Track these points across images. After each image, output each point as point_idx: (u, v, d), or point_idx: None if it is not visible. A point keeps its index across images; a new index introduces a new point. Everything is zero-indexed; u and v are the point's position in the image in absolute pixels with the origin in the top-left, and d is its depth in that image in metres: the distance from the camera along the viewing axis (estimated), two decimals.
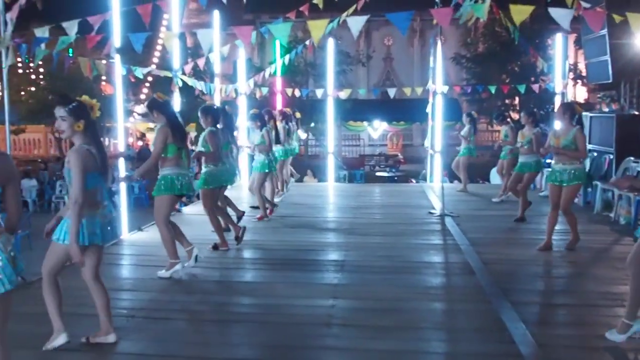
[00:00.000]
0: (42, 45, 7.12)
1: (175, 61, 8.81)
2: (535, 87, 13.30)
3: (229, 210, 7.04)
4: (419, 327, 4.15)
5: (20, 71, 24.61)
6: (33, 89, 25.20)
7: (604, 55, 10.06)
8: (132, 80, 10.46)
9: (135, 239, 6.89)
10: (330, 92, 12.86)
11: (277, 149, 9.11)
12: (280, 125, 9.65)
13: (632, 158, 8.17)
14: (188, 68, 9.83)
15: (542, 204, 8.89)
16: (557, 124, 6.47)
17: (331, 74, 12.92)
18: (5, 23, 6.35)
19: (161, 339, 3.93)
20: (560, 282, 5.41)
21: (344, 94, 13.93)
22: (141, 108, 23.70)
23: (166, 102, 5.32)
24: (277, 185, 9.81)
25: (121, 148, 8.03)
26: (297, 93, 14.01)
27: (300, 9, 8.88)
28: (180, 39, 8.41)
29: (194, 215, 8.18)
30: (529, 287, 5.12)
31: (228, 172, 6.64)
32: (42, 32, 7.07)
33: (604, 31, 9.56)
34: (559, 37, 11.03)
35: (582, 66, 24.39)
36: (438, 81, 10.72)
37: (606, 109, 14.98)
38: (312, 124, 24.18)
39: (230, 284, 5.28)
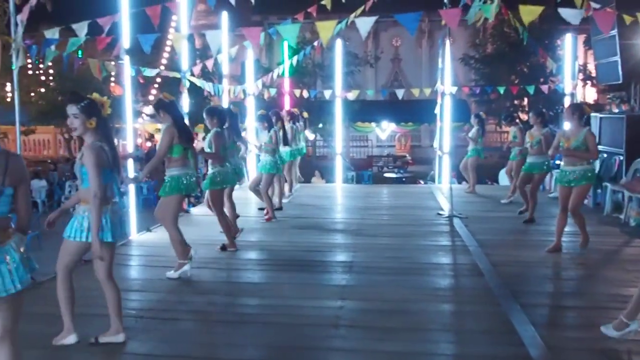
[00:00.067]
0: (52, 47, 7.16)
1: (184, 62, 8.84)
2: (545, 87, 13.24)
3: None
4: (427, 328, 4.14)
5: (30, 72, 24.77)
6: (43, 90, 25.37)
7: (614, 56, 10.00)
8: (141, 81, 10.50)
9: (143, 240, 6.91)
10: (338, 93, 12.85)
11: (284, 150, 9.13)
12: (288, 126, 9.66)
13: None
14: (197, 69, 9.85)
15: (551, 205, 8.84)
16: (566, 125, 6.44)
17: (339, 75, 12.91)
18: (16, 24, 6.39)
19: (169, 340, 3.94)
20: (570, 284, 5.37)
21: (352, 95, 13.92)
22: (150, 109, 23.78)
23: (172, 102, 5.34)
24: (284, 186, 9.83)
25: (130, 149, 8.05)
26: (305, 94, 14.01)
27: (309, 10, 8.88)
28: (188, 40, 8.44)
29: (202, 216, 8.20)
30: (538, 289, 5.09)
31: (234, 173, 6.66)
32: (52, 33, 7.11)
33: (614, 32, 9.51)
34: (568, 38, 10.97)
35: (591, 67, 24.28)
36: (447, 82, 10.68)
37: (616, 110, 14.88)
38: (320, 125, 24.18)
39: (238, 285, 5.29)
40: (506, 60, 23.81)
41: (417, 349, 3.79)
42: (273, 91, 13.22)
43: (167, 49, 24.18)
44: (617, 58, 9.78)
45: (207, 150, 6.25)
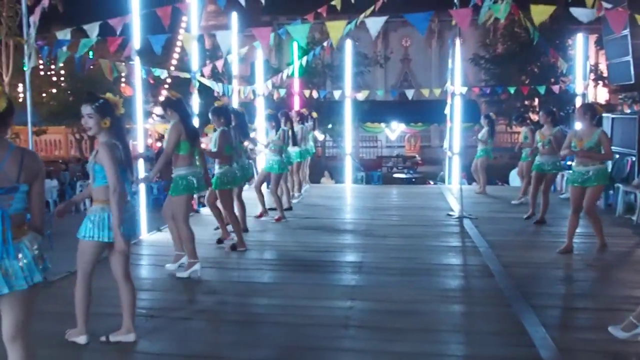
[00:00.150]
0: (64, 48, 7.21)
1: (194, 63, 8.87)
2: (556, 88, 13.16)
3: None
4: (437, 329, 4.13)
5: (41, 73, 24.99)
6: (54, 90, 25.59)
7: (625, 56, 9.94)
8: (152, 82, 10.55)
9: (154, 240, 6.94)
10: (347, 93, 12.85)
11: (293, 150, 9.14)
12: (298, 127, 9.67)
13: None
14: (207, 70, 9.89)
15: (562, 206, 8.78)
16: (577, 125, 6.39)
17: (349, 75, 12.91)
18: (29, 25, 6.43)
19: (179, 339, 3.96)
20: (581, 286, 5.33)
21: (361, 96, 13.91)
22: (160, 109, 23.89)
23: (179, 100, 5.36)
24: (292, 187, 9.84)
25: (140, 149, 8.09)
26: (315, 94, 14.02)
27: (319, 10, 8.88)
28: (198, 41, 8.47)
29: (211, 216, 8.20)
30: (549, 291, 5.06)
31: (241, 172, 6.66)
32: (63, 34, 7.16)
33: (626, 31, 9.45)
34: (579, 38, 10.90)
35: (603, 67, 24.11)
36: (457, 82, 10.65)
37: (628, 110, 14.79)
38: (330, 126, 24.18)
39: (248, 285, 5.30)
40: (517, 61, 23.70)
41: (427, 350, 3.78)
42: (283, 91, 13.24)
43: (177, 49, 24.30)
44: (629, 58, 9.72)
45: (213, 149, 6.26)
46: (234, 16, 10.34)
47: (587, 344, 3.86)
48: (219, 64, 9.97)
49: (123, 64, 8.36)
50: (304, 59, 12.05)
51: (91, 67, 8.54)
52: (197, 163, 5.40)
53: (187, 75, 9.41)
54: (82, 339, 3.73)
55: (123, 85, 22.47)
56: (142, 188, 7.06)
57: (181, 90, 7.83)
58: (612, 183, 8.48)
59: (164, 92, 24.15)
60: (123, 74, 8.14)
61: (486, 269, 5.59)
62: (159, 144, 26.66)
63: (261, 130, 10.66)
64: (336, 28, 6.44)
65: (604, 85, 25.11)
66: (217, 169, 6.23)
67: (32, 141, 6.86)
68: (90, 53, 10.87)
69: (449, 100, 11.78)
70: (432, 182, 17.31)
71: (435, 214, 8.65)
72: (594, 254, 6.04)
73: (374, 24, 6.43)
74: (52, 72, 26.09)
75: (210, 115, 6.43)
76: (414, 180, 20.37)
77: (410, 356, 3.69)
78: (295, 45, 13.04)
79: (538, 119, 8.83)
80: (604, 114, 9.31)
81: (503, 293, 4.86)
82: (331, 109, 21.26)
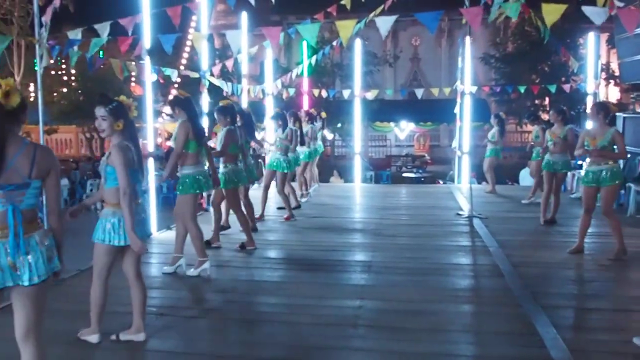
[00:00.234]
0: (75, 47, 7.25)
1: (204, 62, 8.90)
2: (566, 87, 13.07)
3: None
4: (447, 329, 4.11)
5: (52, 72, 25.16)
6: (65, 90, 25.76)
7: (637, 55, 9.85)
8: (161, 81, 10.59)
9: (164, 238, 6.97)
10: (357, 92, 12.84)
11: (301, 150, 9.14)
12: (307, 127, 9.68)
13: None
14: (216, 69, 9.91)
15: (572, 206, 8.74)
16: (588, 124, 6.33)
17: (358, 75, 12.89)
18: (41, 25, 6.47)
19: (189, 337, 3.97)
20: (593, 286, 5.29)
21: (371, 95, 13.88)
22: (169, 108, 23.99)
23: (188, 99, 5.37)
24: (301, 187, 9.84)
25: (150, 148, 8.13)
26: (324, 94, 14.01)
27: (328, 9, 8.88)
28: (208, 40, 8.48)
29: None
30: (559, 291, 5.02)
31: (247, 171, 6.65)
32: (74, 34, 7.20)
33: (639, 30, 9.35)
34: (591, 36, 10.82)
35: (614, 66, 23.94)
36: (466, 81, 10.61)
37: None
38: (339, 125, 24.17)
39: (257, 284, 5.31)
40: (527, 59, 23.57)
41: (437, 350, 3.76)
42: (292, 91, 13.24)
43: (187, 49, 24.38)
44: None
45: (218, 147, 6.27)
46: (244, 15, 10.36)
47: (600, 344, 3.83)
48: (229, 63, 9.98)
49: (133, 63, 8.40)
50: (313, 58, 12.05)
51: (101, 66, 8.57)
52: (204, 162, 5.42)
53: (196, 75, 9.43)
54: (94, 338, 3.76)
55: (133, 84, 22.60)
56: (152, 187, 7.08)
57: (191, 90, 7.86)
58: (623, 183, 8.40)
59: (174, 91, 24.27)
60: (133, 74, 8.16)
61: (496, 269, 5.57)
62: (168, 143, 26.78)
63: (270, 130, 10.67)
64: (346, 27, 6.42)
65: (616, 84, 24.93)
66: (221, 168, 6.22)
67: (43, 140, 6.90)
68: (101, 52, 10.94)
69: (458, 100, 11.72)
70: (441, 182, 17.26)
71: (445, 214, 8.62)
72: (606, 255, 5.97)
73: (384, 23, 6.40)
74: (63, 72, 26.27)
75: (215, 115, 6.44)
76: (423, 179, 20.32)
77: (420, 356, 3.68)
78: (304, 44, 13.05)
79: (548, 118, 8.75)
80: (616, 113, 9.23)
81: (513, 293, 4.83)
82: (340, 108, 21.25)
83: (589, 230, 6.13)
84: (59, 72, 26.19)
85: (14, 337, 2.70)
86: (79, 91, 24.93)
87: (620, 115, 9.80)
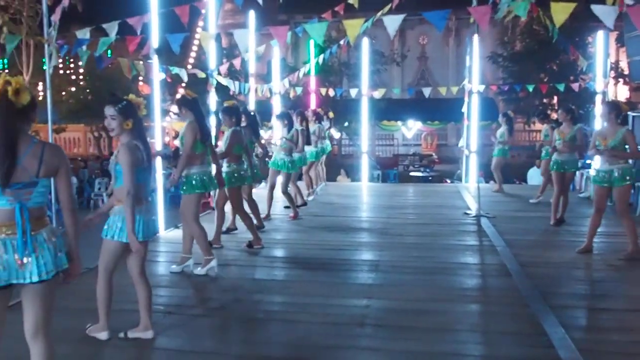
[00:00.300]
0: (84, 47, 7.28)
1: (212, 61, 8.91)
2: (575, 86, 13.00)
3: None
4: (455, 329, 4.10)
5: (60, 72, 25.28)
6: (73, 89, 25.86)
7: None
8: (169, 80, 10.62)
9: (171, 237, 6.99)
10: (364, 91, 12.83)
11: (308, 150, 9.14)
12: (315, 126, 9.67)
13: None
14: (224, 68, 9.92)
15: (581, 205, 8.69)
16: (597, 124, 6.28)
17: (365, 74, 12.88)
18: (50, 24, 6.50)
19: (197, 336, 3.98)
20: (601, 286, 5.25)
21: (378, 94, 13.87)
22: (176, 107, 24.05)
23: (195, 100, 5.39)
24: (308, 186, 9.84)
25: (158, 147, 8.16)
26: (331, 93, 14.01)
27: (336, 8, 8.87)
28: (216, 39, 8.50)
29: (228, 214, 8.24)
30: (568, 291, 5.00)
31: (251, 171, 6.65)
32: (83, 33, 7.23)
33: None
34: (600, 35, 10.74)
35: (623, 64, 23.76)
36: (474, 80, 10.57)
37: None
38: (346, 124, 24.15)
39: (264, 283, 5.31)
40: (535, 58, 23.43)
41: (444, 349, 3.75)
42: (299, 90, 13.25)
43: (194, 48, 24.42)
44: None
45: (223, 148, 6.27)
46: (251, 15, 10.37)
47: (609, 345, 3.81)
48: (237, 62, 9.99)
49: (141, 62, 8.42)
50: (321, 57, 12.05)
51: (110, 65, 8.60)
52: (209, 162, 5.43)
53: (202, 75, 9.45)
54: (103, 335, 3.78)
55: (141, 83, 22.66)
56: (159, 186, 7.10)
57: (198, 89, 7.88)
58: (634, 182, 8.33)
59: (181, 91, 24.34)
60: (141, 73, 8.18)
61: (504, 268, 5.55)
62: (176, 142, 26.87)
63: (277, 129, 10.68)
64: (353, 26, 6.41)
65: (625, 83, 24.75)
66: (225, 167, 6.20)
67: (52, 139, 6.94)
68: (109, 52, 10.97)
69: (466, 98, 11.70)
70: (449, 181, 17.22)
71: (452, 213, 8.60)
72: (615, 254, 5.93)
73: (392, 22, 6.38)
74: (71, 71, 26.38)
75: (220, 115, 6.44)
76: (430, 178, 20.28)
77: (427, 355, 3.67)
78: (311, 43, 13.05)
79: (557, 117, 8.71)
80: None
81: (521, 293, 4.81)
82: (347, 107, 21.23)
83: (598, 230, 6.09)
84: (67, 72, 26.30)
85: (23, 335, 2.72)
86: (87, 90, 25.02)
87: (629, 114, 9.72)
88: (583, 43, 21.47)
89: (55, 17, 6.62)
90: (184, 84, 21.44)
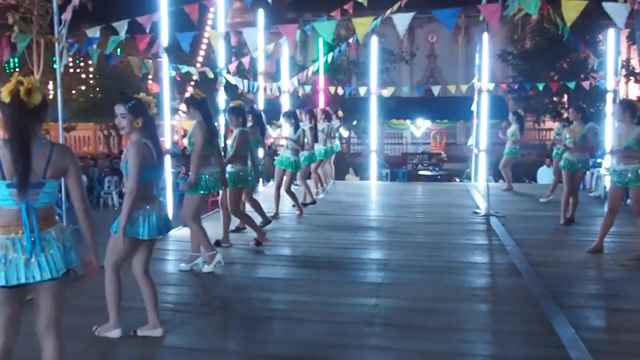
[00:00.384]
0: (94, 45, 7.31)
1: (221, 60, 8.92)
2: (586, 84, 12.90)
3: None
4: (464, 328, 4.08)
5: (70, 70, 25.42)
6: (83, 87, 26.02)
7: None
8: (178, 79, 10.65)
9: (180, 235, 7.00)
10: (373, 90, 12.79)
11: (317, 148, 9.12)
12: (324, 124, 9.66)
13: None
14: (233, 67, 9.94)
15: (591, 204, 8.63)
16: (608, 123, 6.22)
17: (374, 72, 12.84)
18: (60, 23, 6.53)
19: (206, 334, 3.99)
20: (612, 286, 5.20)
21: (387, 92, 13.83)
22: (185, 106, 24.12)
23: (203, 99, 5.38)
24: (317, 184, 9.83)
25: (167, 145, 8.19)
26: (340, 91, 13.99)
27: (345, 6, 8.86)
28: (225, 38, 8.51)
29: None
30: (578, 290, 4.97)
31: (254, 171, 6.63)
32: (93, 32, 7.26)
33: None
34: (611, 33, 10.65)
35: (635, 62, 23.58)
36: (484, 78, 10.52)
37: None
38: (355, 122, 24.12)
39: (272, 281, 5.31)
40: (545, 56, 23.30)
41: (453, 349, 3.74)
42: (308, 88, 13.24)
43: (203, 46, 24.47)
44: None
45: (229, 148, 6.24)
46: (260, 13, 10.37)
47: (620, 345, 3.78)
48: (246, 60, 10.01)
49: (151, 61, 8.45)
50: (330, 55, 12.03)
51: (120, 63, 8.65)
52: (214, 163, 5.43)
53: (211, 75, 9.46)
54: (115, 333, 3.78)
55: (150, 82, 22.74)
56: (169, 184, 7.12)
57: (207, 88, 7.89)
58: None
59: (190, 89, 24.41)
60: (151, 71, 8.21)
61: (513, 268, 5.52)
62: (185, 141, 26.97)
63: (285, 127, 10.68)
64: (362, 24, 6.39)
65: (636, 81, 24.55)
66: (229, 168, 6.12)
67: (62, 137, 6.98)
68: (118, 50, 11.01)
69: (475, 97, 11.63)
70: (458, 180, 17.15)
71: (461, 212, 8.57)
72: (625, 254, 5.88)
73: (402, 20, 6.36)
74: (82, 70, 26.53)
75: (226, 115, 6.43)
76: (439, 177, 20.21)
77: (436, 355, 3.66)
78: (320, 41, 13.03)
79: (567, 116, 8.65)
80: None
81: (531, 292, 4.78)
82: (356, 106, 21.21)
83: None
84: (78, 70, 26.45)
85: (34, 333, 2.73)
86: (97, 89, 25.17)
87: None
88: (594, 41, 21.31)
89: (66, 15, 6.65)
90: (193, 83, 21.55)
